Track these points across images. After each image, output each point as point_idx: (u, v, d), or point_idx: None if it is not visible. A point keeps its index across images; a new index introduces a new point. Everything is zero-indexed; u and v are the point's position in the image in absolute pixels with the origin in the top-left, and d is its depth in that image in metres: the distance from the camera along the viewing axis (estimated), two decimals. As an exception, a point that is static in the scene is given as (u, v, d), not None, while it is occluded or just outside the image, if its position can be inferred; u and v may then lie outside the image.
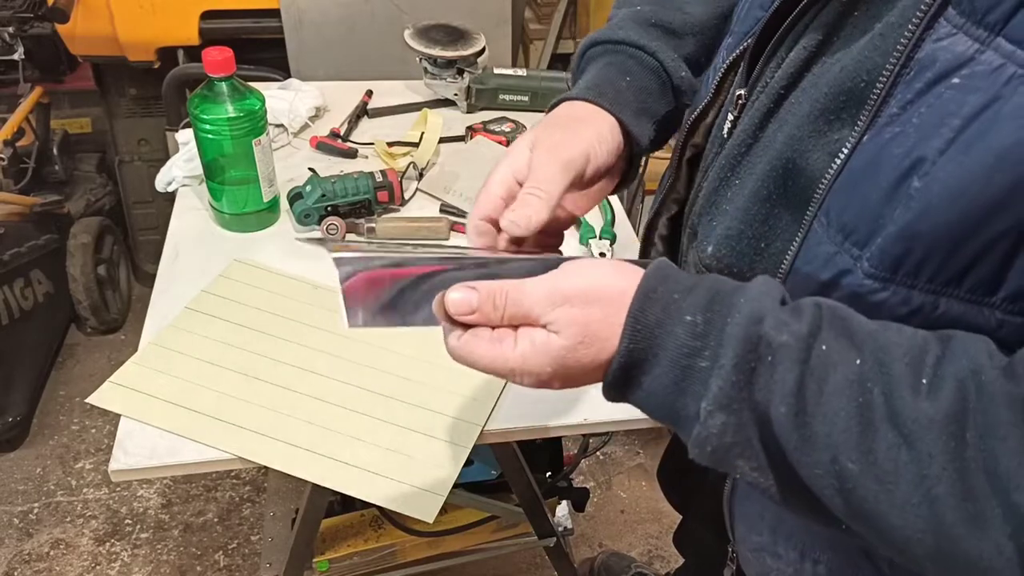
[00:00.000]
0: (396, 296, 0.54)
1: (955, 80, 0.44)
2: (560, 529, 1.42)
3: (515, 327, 0.51)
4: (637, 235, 1.27)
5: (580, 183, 0.63)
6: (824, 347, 0.45)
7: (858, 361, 0.44)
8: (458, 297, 0.51)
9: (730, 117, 0.62)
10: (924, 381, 0.43)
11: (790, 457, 0.46)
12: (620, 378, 0.50)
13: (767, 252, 0.57)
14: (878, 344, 0.45)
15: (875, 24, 0.49)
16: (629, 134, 0.68)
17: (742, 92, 0.61)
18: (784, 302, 0.49)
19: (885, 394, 0.43)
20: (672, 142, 0.77)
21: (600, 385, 0.53)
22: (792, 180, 0.54)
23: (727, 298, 0.48)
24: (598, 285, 0.51)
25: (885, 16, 0.48)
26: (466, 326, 0.52)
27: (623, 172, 0.71)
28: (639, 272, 0.51)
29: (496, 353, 0.51)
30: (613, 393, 0.51)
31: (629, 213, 1.91)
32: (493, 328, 0.52)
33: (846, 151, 0.49)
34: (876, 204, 0.47)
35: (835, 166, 0.50)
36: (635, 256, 1.07)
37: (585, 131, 0.65)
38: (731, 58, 0.65)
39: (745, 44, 0.63)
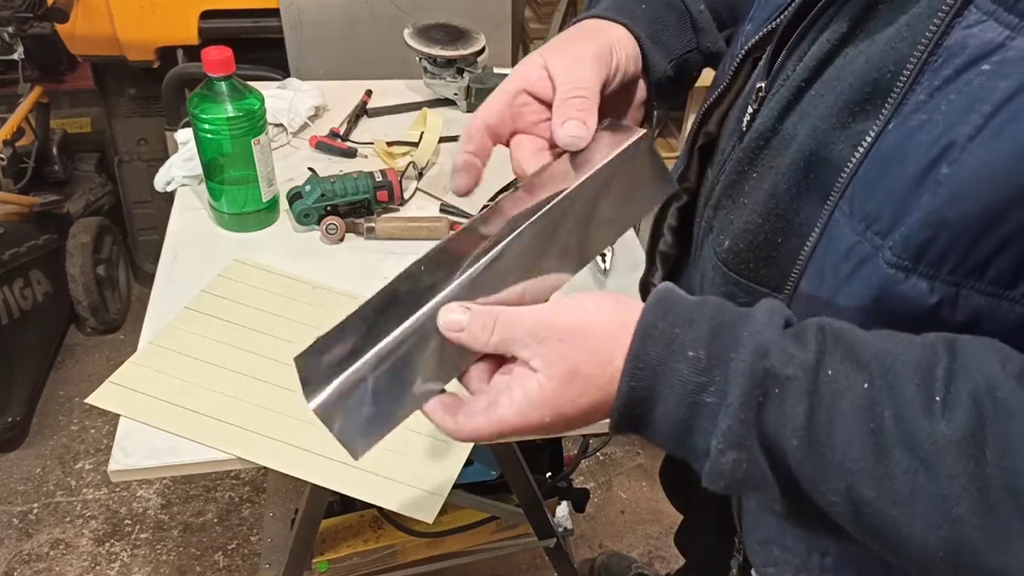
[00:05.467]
0: (375, 399, 0.51)
1: (985, 67, 0.44)
2: (560, 530, 1.42)
3: (509, 363, 0.51)
4: (637, 230, 1.27)
5: (605, 91, 0.62)
6: (830, 372, 0.45)
7: (866, 385, 0.44)
8: (450, 318, 0.51)
9: (749, 110, 0.61)
10: (937, 398, 0.42)
11: (804, 486, 0.46)
12: (625, 416, 0.49)
13: (784, 246, 0.57)
14: (885, 365, 0.44)
15: (901, 15, 0.49)
16: (646, 58, 0.66)
17: (762, 85, 0.60)
18: (789, 324, 0.48)
19: (897, 417, 0.43)
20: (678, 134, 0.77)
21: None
22: (815, 172, 0.54)
23: (730, 330, 0.47)
24: (586, 321, 0.50)
25: (912, 7, 0.48)
26: (455, 409, 0.52)
27: (644, 106, 0.69)
28: (633, 307, 0.50)
29: (494, 419, 0.50)
30: (620, 431, 0.51)
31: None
32: (483, 357, 0.52)
33: (870, 138, 0.49)
34: (902, 191, 0.47)
35: (859, 153, 0.50)
36: (641, 248, 1.07)
37: (600, 36, 0.63)
38: (750, 44, 0.64)
39: (765, 30, 0.62)
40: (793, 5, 0.59)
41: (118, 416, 0.84)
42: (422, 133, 1.29)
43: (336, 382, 0.48)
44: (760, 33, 0.63)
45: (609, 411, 0.50)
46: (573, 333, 0.49)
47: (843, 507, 0.45)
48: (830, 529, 0.47)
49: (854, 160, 0.50)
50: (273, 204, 1.12)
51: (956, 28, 0.45)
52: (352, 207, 1.11)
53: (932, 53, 0.46)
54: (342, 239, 1.09)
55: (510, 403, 0.50)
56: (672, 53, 0.69)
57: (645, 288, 0.85)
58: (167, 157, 1.23)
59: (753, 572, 0.74)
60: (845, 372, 0.45)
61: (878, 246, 0.49)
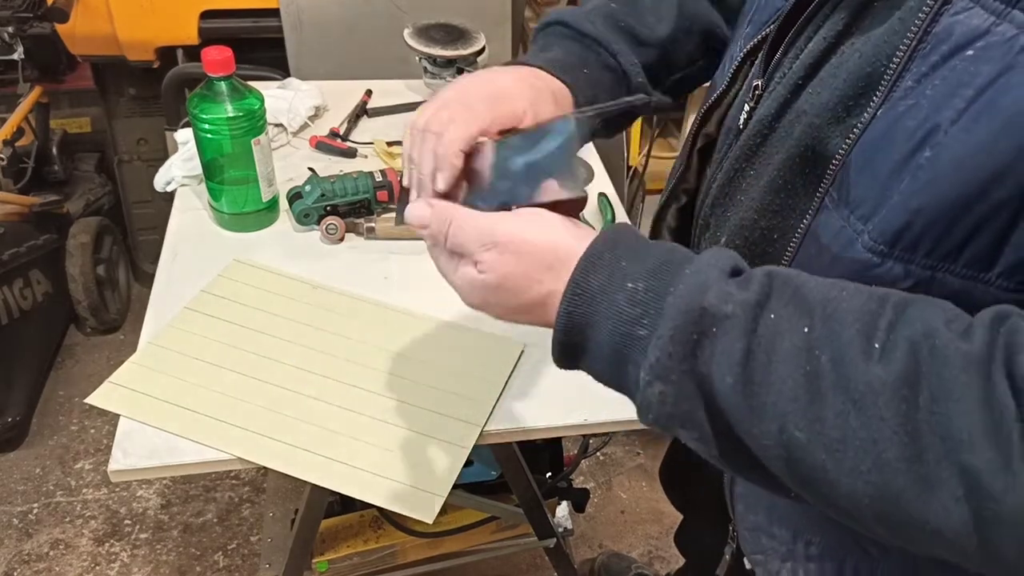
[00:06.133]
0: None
1: (969, 52, 0.44)
2: (560, 530, 1.42)
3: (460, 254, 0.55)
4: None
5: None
6: (772, 316, 0.45)
7: (806, 328, 0.44)
8: (415, 211, 0.56)
9: (746, 108, 0.62)
10: (876, 345, 0.43)
11: (737, 428, 0.46)
12: (565, 344, 0.51)
13: (779, 242, 0.58)
14: (828, 311, 0.45)
15: (895, 11, 0.50)
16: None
17: (759, 83, 0.61)
18: (738, 272, 0.49)
19: (834, 360, 0.43)
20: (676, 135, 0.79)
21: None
22: (810, 167, 0.54)
23: (675, 267, 0.48)
24: (529, 238, 0.52)
25: (905, 2, 0.49)
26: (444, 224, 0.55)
27: None
28: (584, 238, 0.52)
29: (446, 268, 0.56)
30: (562, 359, 0.53)
31: (629, 213, 1.91)
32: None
33: (861, 126, 0.50)
34: (886, 176, 0.48)
35: (849, 141, 0.51)
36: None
37: (542, 95, 0.67)
38: (749, 47, 0.65)
39: (763, 33, 0.63)
40: (789, 3, 0.59)
41: (118, 416, 0.84)
42: (422, 133, 1.29)
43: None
44: (759, 35, 0.64)
45: (541, 315, 0.53)
46: (511, 246, 0.52)
47: (775, 451, 0.45)
48: (764, 479, 0.48)
49: (845, 148, 0.51)
50: (273, 204, 1.12)
51: (944, 15, 0.46)
52: (352, 207, 1.11)
53: (921, 40, 0.47)
54: (342, 239, 1.09)
55: (460, 276, 0.55)
56: (604, 113, 0.73)
57: None
58: (167, 157, 1.23)
59: (745, 560, 0.75)
60: (788, 316, 0.45)
61: (859, 231, 0.50)
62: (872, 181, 0.49)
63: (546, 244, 0.52)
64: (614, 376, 0.50)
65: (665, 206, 0.78)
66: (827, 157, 0.52)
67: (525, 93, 0.63)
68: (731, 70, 0.67)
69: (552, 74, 0.68)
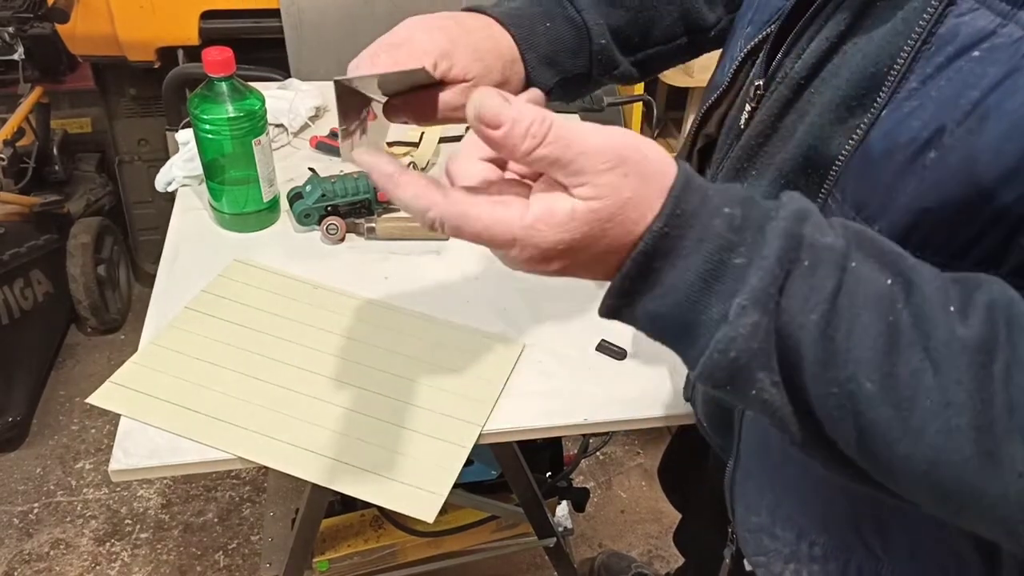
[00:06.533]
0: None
1: (975, 53, 0.44)
2: (560, 529, 1.42)
3: (530, 182, 0.45)
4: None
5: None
6: (854, 264, 0.43)
7: (889, 281, 0.43)
8: (492, 104, 0.42)
9: (747, 108, 0.62)
10: (952, 308, 0.41)
11: (805, 373, 0.43)
12: (640, 267, 0.44)
13: None
14: (907, 265, 0.44)
15: (897, 11, 0.49)
16: (529, 75, 0.70)
17: (760, 83, 0.61)
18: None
19: (915, 316, 0.42)
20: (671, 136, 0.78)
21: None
22: (813, 168, 0.54)
23: (760, 201, 0.45)
24: (653, 163, 0.44)
25: (908, 3, 0.49)
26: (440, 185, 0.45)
27: None
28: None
29: (499, 215, 0.43)
30: (620, 294, 0.45)
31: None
32: (504, 167, 0.46)
33: (864, 127, 0.50)
34: (891, 177, 0.48)
35: (853, 141, 0.50)
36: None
37: (487, 44, 0.67)
38: (749, 47, 0.65)
39: (764, 33, 0.63)
40: (790, 3, 0.59)
41: (118, 416, 0.84)
42: (422, 133, 1.29)
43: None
44: (760, 35, 0.64)
45: (617, 267, 0.45)
46: (639, 171, 0.43)
47: (838, 401, 0.43)
48: (818, 439, 0.46)
49: (848, 149, 0.51)
50: (274, 204, 1.13)
51: (949, 17, 0.46)
52: (352, 207, 1.11)
53: (925, 42, 0.47)
54: (342, 239, 1.10)
55: (524, 210, 0.43)
56: (562, 73, 0.72)
57: None
58: (168, 157, 1.23)
59: (745, 562, 0.75)
60: (868, 267, 0.43)
61: None
62: (877, 182, 0.49)
63: (665, 169, 0.44)
64: (683, 314, 0.44)
65: None
66: (830, 157, 0.53)
67: (437, 43, 0.64)
68: (731, 70, 0.67)
69: (502, 24, 0.68)
